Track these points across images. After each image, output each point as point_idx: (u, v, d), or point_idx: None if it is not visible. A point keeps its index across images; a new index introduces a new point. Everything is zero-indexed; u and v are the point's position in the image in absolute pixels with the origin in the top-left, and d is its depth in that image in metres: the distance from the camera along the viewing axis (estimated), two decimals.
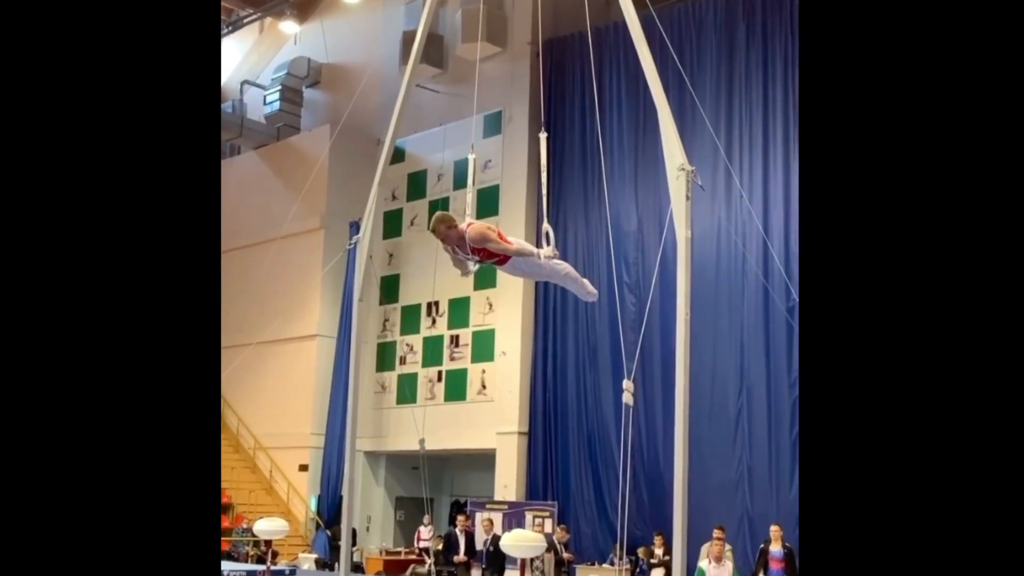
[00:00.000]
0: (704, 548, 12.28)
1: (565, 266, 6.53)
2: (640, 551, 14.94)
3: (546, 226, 6.39)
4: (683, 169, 5.69)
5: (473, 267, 6.48)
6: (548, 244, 6.30)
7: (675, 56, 13.71)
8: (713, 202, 15.42)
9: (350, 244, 8.31)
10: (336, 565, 14.72)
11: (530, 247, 6.45)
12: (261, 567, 12.86)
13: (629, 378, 5.40)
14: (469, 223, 6.37)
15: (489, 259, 6.32)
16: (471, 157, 7.57)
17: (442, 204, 19.48)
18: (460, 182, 19.18)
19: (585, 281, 6.63)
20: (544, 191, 7.09)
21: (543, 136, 7.04)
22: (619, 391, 16.30)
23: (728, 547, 13.28)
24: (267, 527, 11.12)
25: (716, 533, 13.27)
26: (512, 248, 6.29)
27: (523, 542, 7.86)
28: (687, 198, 5.67)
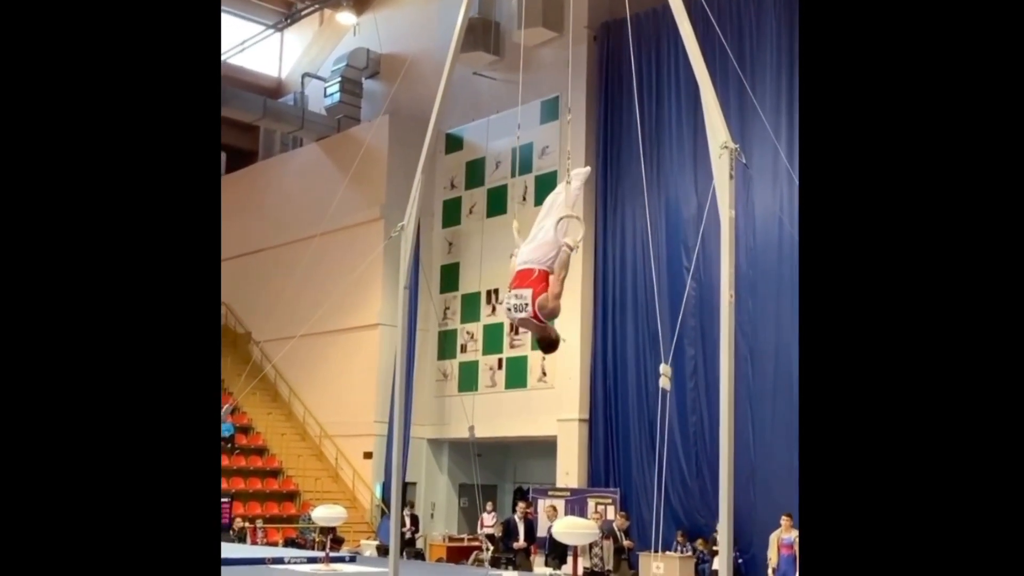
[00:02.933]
0: None
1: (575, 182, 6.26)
2: (699, 542, 14.79)
3: (571, 214, 6.10)
4: (726, 147, 5.55)
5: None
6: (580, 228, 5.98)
7: (734, 37, 13.46)
8: (775, 184, 15.16)
9: (395, 232, 8.28)
10: (403, 552, 14.83)
11: (561, 257, 5.93)
12: (323, 553, 13.00)
13: (666, 362, 5.29)
14: (534, 315, 5.75)
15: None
16: (516, 138, 7.47)
17: (500, 192, 19.47)
18: (518, 169, 19.14)
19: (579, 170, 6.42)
20: (569, 178, 6.92)
21: (567, 119, 6.91)
22: (678, 377, 16.21)
23: (797, 531, 13.09)
24: (325, 514, 11.23)
25: (784, 521, 13.08)
26: (562, 277, 5.81)
27: (575, 529, 7.81)
28: (731, 176, 5.53)
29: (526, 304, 5.71)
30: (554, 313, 5.80)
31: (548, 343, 6.04)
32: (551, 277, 5.81)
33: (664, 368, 5.25)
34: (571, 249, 5.82)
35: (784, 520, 13.11)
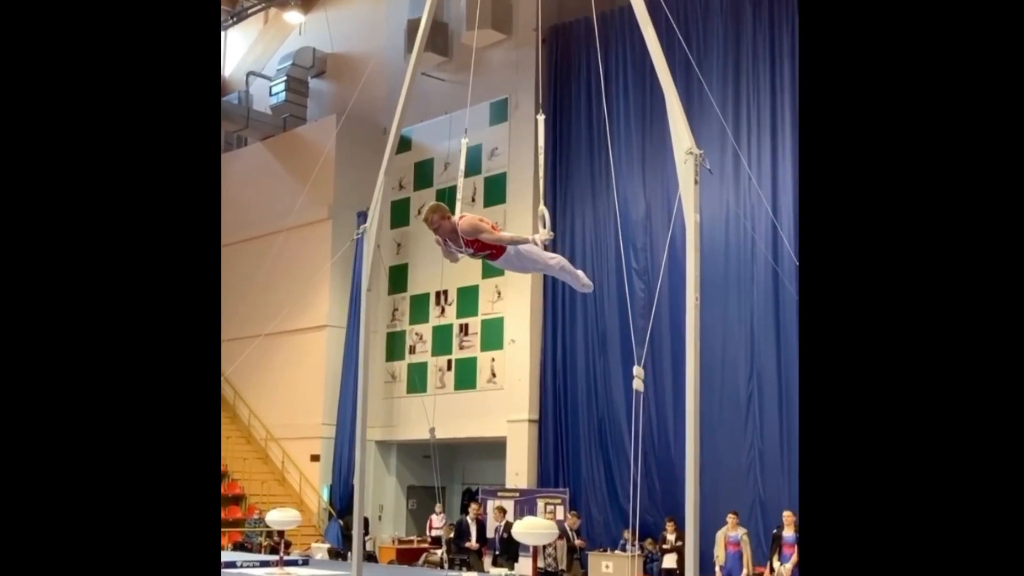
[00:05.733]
0: None
1: (558, 259, 6.49)
2: (647, 542, 14.90)
3: (542, 208, 6.34)
4: (691, 153, 5.64)
5: (463, 257, 6.48)
6: (544, 227, 6.25)
7: (681, 40, 13.69)
8: (722, 186, 15.35)
9: (357, 234, 8.28)
10: (349, 554, 14.75)
11: (524, 236, 6.39)
12: (274, 557, 12.89)
13: (639, 364, 5.38)
14: (462, 216, 6.31)
15: (482, 251, 6.28)
16: (463, 142, 7.55)
17: (449, 192, 19.37)
18: (467, 170, 19.10)
19: (579, 273, 6.61)
20: (542, 173, 7.05)
21: (540, 118, 6.99)
22: (629, 377, 16.32)
23: (744, 530, 13.28)
24: (280, 517, 11.15)
25: (730, 519, 13.26)
26: (505, 238, 6.25)
27: (535, 529, 7.86)
28: (696, 182, 5.62)
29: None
30: (469, 227, 6.26)
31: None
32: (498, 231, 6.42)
33: (637, 370, 5.34)
34: (531, 240, 6.10)
35: (730, 518, 13.27)
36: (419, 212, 20.05)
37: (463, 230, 6.18)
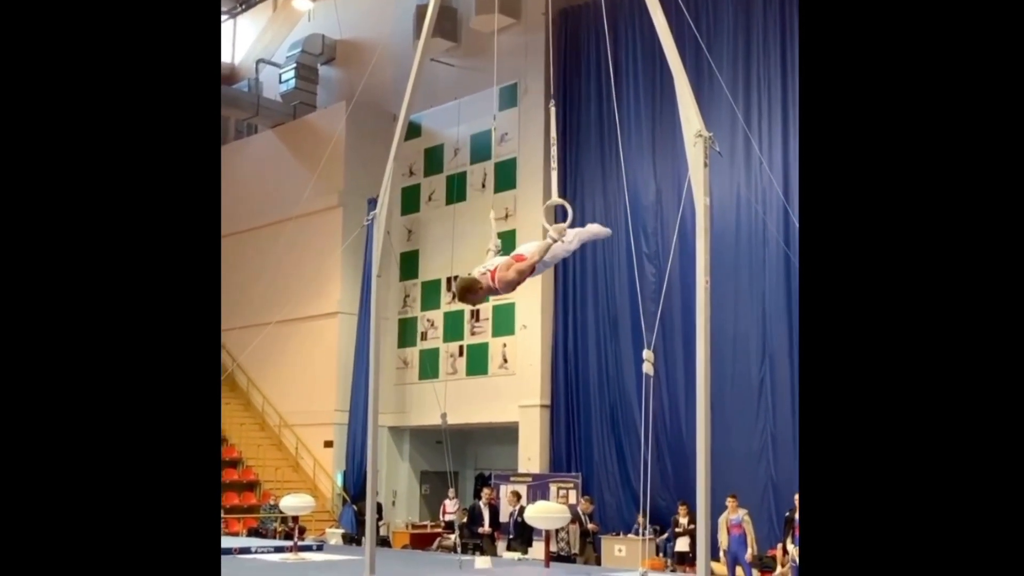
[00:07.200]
0: None
1: (574, 239, 6.41)
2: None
3: (560, 200, 6.28)
4: (701, 136, 5.63)
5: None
6: (566, 219, 6.18)
7: (691, 22, 13.64)
8: (732, 169, 15.29)
9: (367, 220, 8.28)
10: (363, 539, 14.82)
11: (545, 242, 6.21)
12: (289, 543, 12.98)
13: (649, 348, 5.38)
14: (491, 273, 6.11)
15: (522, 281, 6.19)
16: (493, 129, 7.51)
17: (459, 178, 19.46)
18: (476, 156, 19.14)
19: (592, 228, 6.55)
20: (554, 164, 6.97)
21: (552, 108, 6.94)
22: (640, 362, 16.29)
23: (744, 510, 13.25)
24: (294, 503, 11.22)
25: (730, 502, 13.19)
26: (536, 257, 6.08)
27: (548, 513, 7.90)
28: (705, 165, 5.62)
29: (485, 271, 6.11)
30: (507, 282, 6.09)
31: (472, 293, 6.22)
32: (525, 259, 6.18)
33: (647, 354, 5.35)
34: (553, 240, 5.99)
35: (730, 501, 13.21)
36: (429, 199, 20.10)
37: (506, 289, 6.11)
